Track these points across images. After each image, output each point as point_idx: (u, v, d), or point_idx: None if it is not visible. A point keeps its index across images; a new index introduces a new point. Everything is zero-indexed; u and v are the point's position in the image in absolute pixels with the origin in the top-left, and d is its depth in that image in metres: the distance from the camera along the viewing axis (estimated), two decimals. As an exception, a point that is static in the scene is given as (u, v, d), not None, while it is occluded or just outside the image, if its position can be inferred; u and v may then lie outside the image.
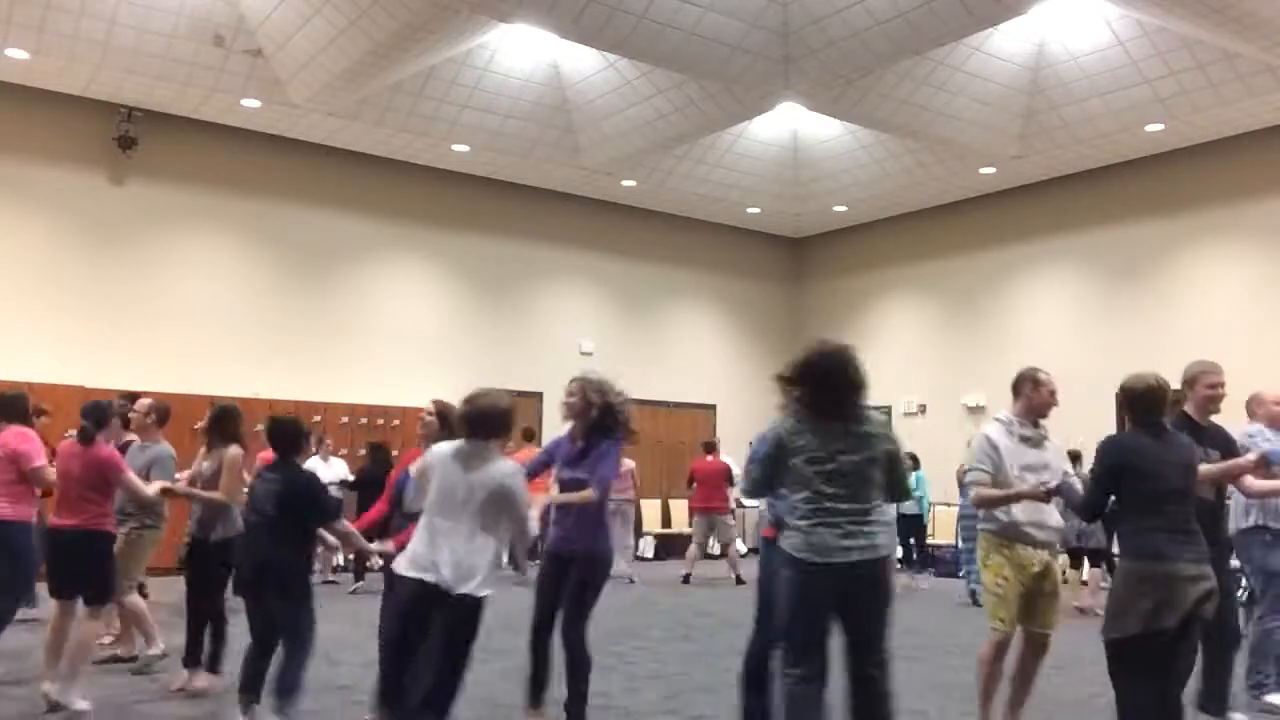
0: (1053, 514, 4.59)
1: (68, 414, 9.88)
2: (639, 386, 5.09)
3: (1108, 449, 4.06)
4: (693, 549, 11.70)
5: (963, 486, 5.51)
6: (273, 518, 4.67)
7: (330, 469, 11.18)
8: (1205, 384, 4.79)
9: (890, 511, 3.73)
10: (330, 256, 13.12)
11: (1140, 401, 4.05)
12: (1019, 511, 4.50)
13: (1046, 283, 14.00)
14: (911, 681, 6.46)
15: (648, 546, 14.39)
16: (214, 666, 5.67)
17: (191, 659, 5.71)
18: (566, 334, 14.92)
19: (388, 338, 13.35)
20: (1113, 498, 4.01)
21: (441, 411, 4.89)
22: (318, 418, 12.17)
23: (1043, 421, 4.69)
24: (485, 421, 3.97)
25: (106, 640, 6.58)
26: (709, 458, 11.96)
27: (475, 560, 3.83)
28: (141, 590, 7.65)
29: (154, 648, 6.22)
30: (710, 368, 16.16)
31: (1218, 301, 12.12)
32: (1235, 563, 5.57)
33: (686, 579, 11.39)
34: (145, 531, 6.11)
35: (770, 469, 3.78)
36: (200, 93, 11.23)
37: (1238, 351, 11.30)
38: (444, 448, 4.08)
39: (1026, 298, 14.22)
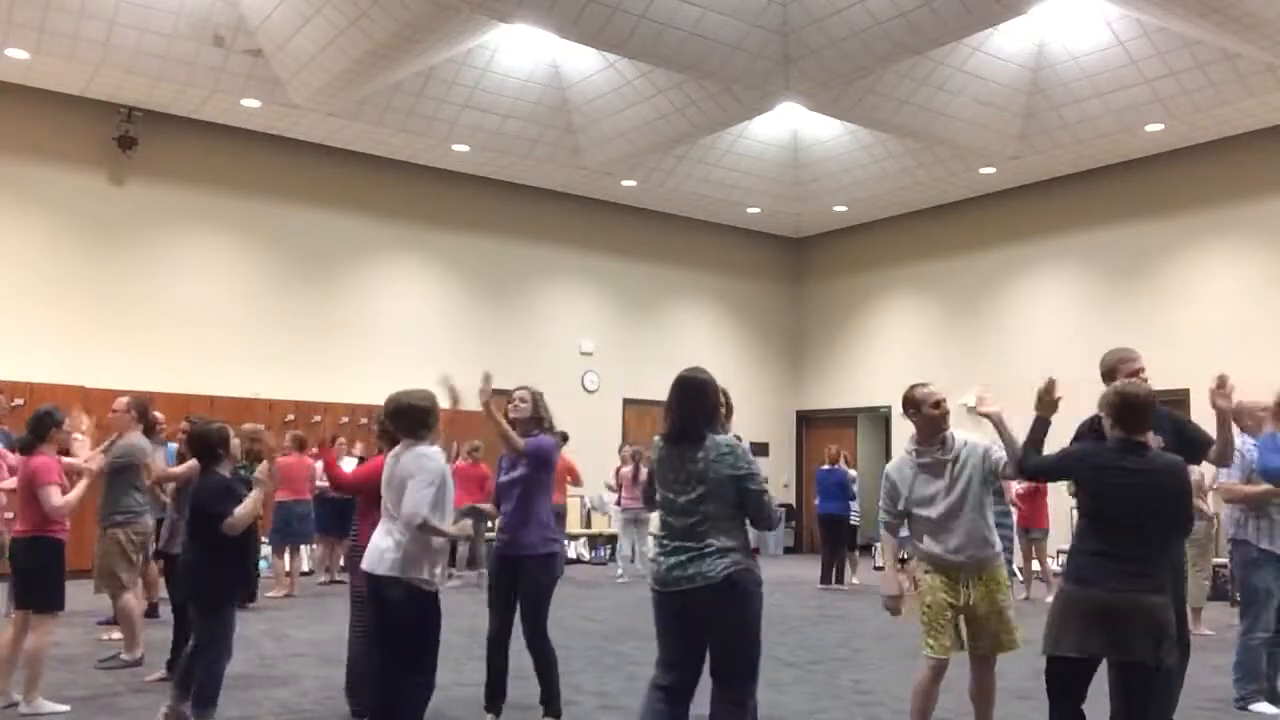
0: (960, 534, 4.21)
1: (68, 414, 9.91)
2: (639, 386, 5.16)
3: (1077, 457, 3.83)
4: None
5: None
6: (188, 522, 4.96)
7: (347, 467, 11.15)
8: (1125, 372, 4.50)
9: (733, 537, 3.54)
10: (330, 256, 13.12)
11: (1139, 411, 3.66)
12: (927, 540, 4.31)
13: (1046, 283, 14.00)
14: (912, 681, 6.46)
15: (649, 546, 14.40)
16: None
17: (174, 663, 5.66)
18: (566, 334, 14.93)
19: (388, 338, 13.35)
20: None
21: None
22: (318, 418, 12.18)
23: (951, 434, 4.37)
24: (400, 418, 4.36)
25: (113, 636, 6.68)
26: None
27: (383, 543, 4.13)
28: (154, 610, 7.66)
29: (131, 653, 6.24)
30: (710, 368, 15.90)
31: (1218, 301, 12.12)
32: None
33: None
34: (119, 530, 6.16)
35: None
36: (200, 93, 11.23)
37: (1238, 351, 11.32)
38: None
39: (1026, 298, 14.22)
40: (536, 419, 5.09)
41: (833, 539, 11.85)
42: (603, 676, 6.40)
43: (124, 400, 6.55)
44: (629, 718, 5.40)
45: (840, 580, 11.76)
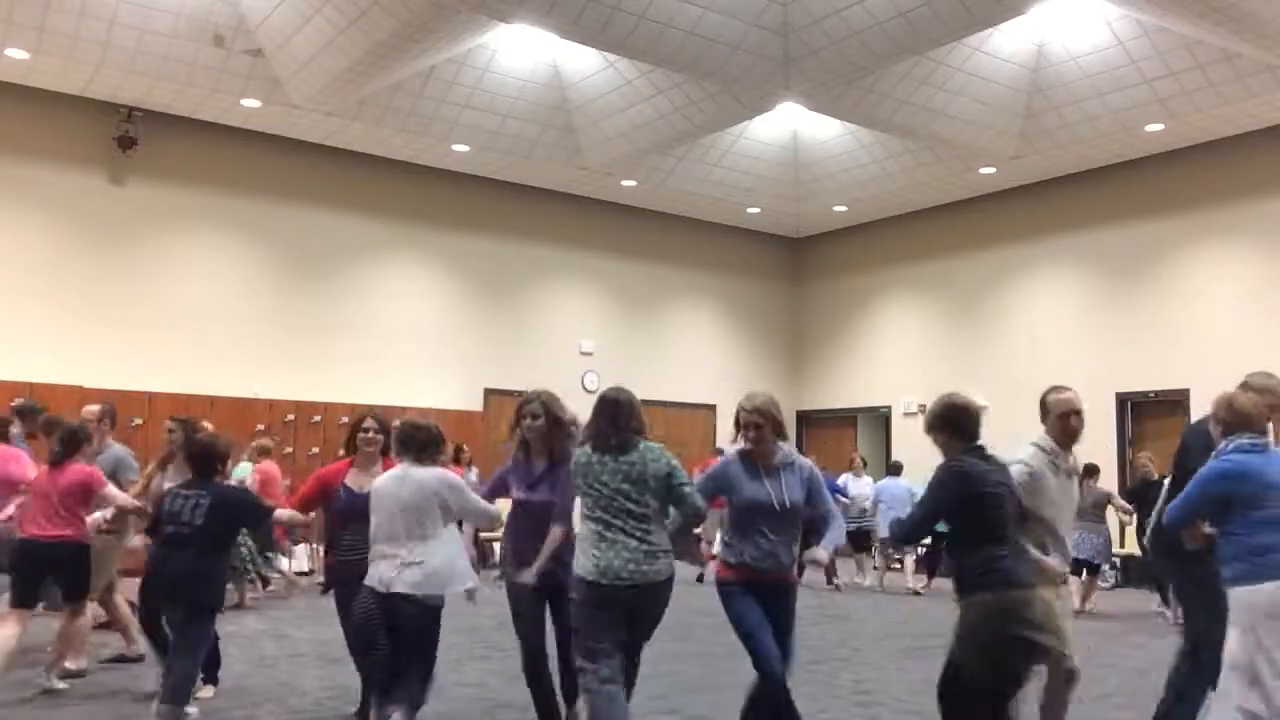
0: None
1: (67, 414, 9.91)
2: (639, 386, 5.05)
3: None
4: (704, 547, 11.69)
5: None
6: (203, 529, 4.82)
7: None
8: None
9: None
10: (330, 256, 13.12)
11: (972, 421, 3.90)
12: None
13: (1046, 283, 14.00)
14: (911, 681, 6.47)
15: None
16: (207, 675, 5.57)
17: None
18: (566, 334, 14.93)
19: (388, 338, 13.35)
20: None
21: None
22: (318, 418, 12.18)
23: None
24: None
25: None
26: (718, 458, 12.10)
27: None
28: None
29: (74, 662, 6.01)
30: (710, 368, 16.16)
31: (1218, 301, 12.11)
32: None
33: (700, 579, 11.37)
34: (100, 537, 6.04)
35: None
36: (200, 93, 11.23)
37: (1237, 351, 11.31)
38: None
39: (1026, 298, 14.22)
40: (557, 424, 4.64)
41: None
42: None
43: (94, 409, 6.43)
44: (629, 717, 5.40)
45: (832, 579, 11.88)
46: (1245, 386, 4.36)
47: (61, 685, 5.66)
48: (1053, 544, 4.08)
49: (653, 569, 4.06)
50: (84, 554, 5.65)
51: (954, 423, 3.91)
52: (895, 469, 12.42)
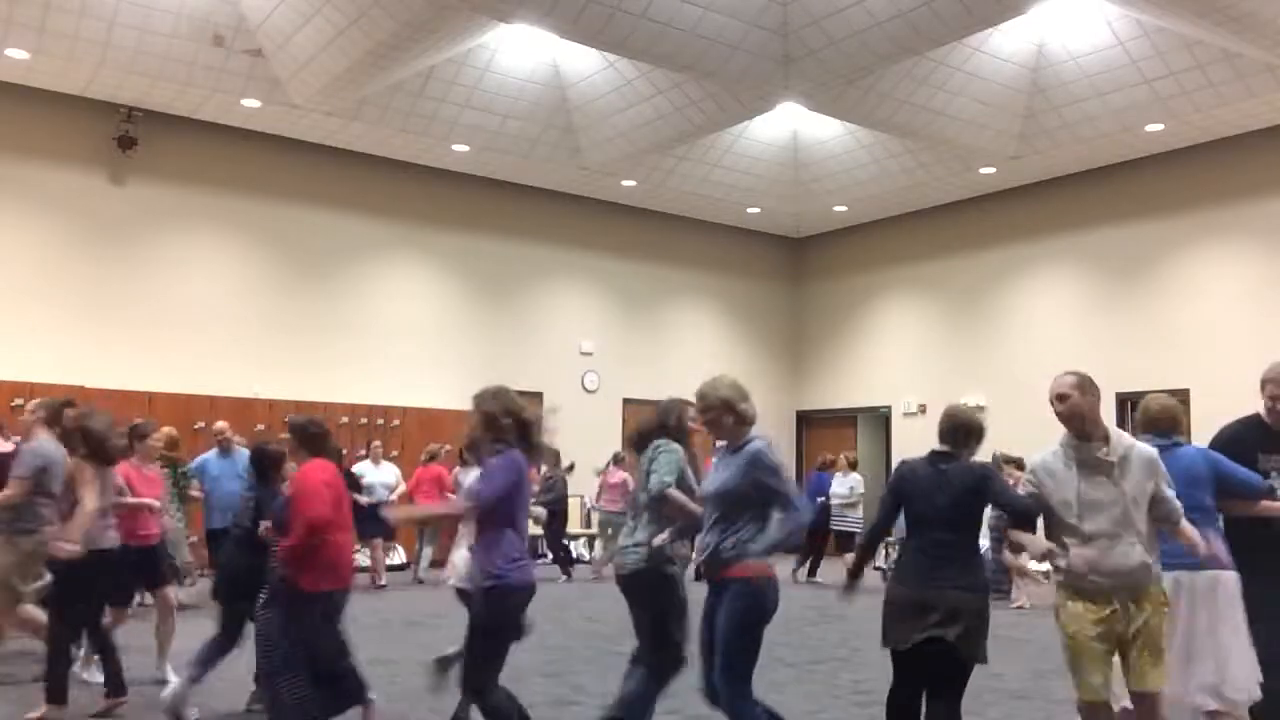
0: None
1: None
2: (639, 386, 5.10)
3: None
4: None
5: None
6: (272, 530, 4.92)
7: (380, 472, 11.16)
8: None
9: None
10: (330, 256, 13.12)
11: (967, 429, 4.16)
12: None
13: (1046, 283, 14.00)
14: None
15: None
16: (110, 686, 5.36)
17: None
18: (566, 334, 14.93)
19: (388, 338, 13.35)
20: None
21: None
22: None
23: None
24: None
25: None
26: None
27: None
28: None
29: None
30: (710, 368, 15.87)
31: (1218, 301, 12.11)
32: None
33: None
34: (21, 539, 5.67)
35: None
36: (200, 93, 11.22)
37: (1237, 351, 11.33)
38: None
39: (1026, 298, 14.22)
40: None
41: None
42: (605, 677, 6.40)
43: (35, 402, 6.22)
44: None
45: (813, 574, 12.07)
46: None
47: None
48: (1071, 539, 3.80)
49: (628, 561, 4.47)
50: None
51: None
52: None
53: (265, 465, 5.42)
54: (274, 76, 11.03)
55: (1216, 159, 12.17)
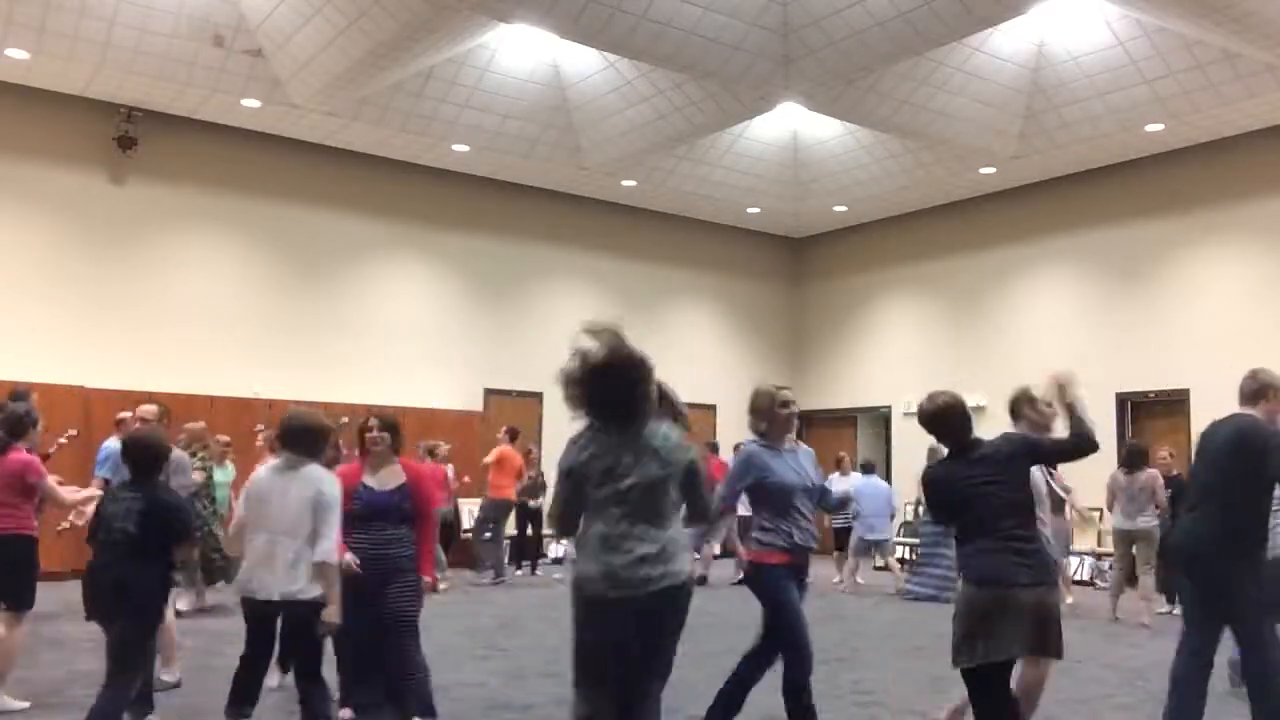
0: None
1: (68, 414, 9.92)
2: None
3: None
4: (706, 548, 11.67)
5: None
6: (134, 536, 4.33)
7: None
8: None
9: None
10: (330, 256, 13.12)
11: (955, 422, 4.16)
12: None
13: (1046, 283, 14.01)
14: (911, 681, 6.47)
15: None
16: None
17: None
18: (566, 334, 14.82)
19: (388, 338, 13.36)
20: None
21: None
22: (318, 418, 12.17)
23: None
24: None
25: None
26: (714, 458, 12.13)
27: None
28: None
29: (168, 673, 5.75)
30: (710, 368, 16.14)
31: (1218, 301, 12.11)
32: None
33: (703, 580, 11.35)
34: None
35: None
36: (200, 93, 11.23)
37: (1237, 351, 11.31)
38: None
39: (1026, 298, 14.22)
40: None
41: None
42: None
43: (152, 409, 6.30)
44: None
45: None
46: None
47: (18, 705, 5.24)
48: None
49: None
50: (21, 549, 5.22)
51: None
52: (867, 468, 12.43)
53: (146, 461, 4.48)
54: (274, 76, 11.04)
55: (1216, 159, 12.17)
